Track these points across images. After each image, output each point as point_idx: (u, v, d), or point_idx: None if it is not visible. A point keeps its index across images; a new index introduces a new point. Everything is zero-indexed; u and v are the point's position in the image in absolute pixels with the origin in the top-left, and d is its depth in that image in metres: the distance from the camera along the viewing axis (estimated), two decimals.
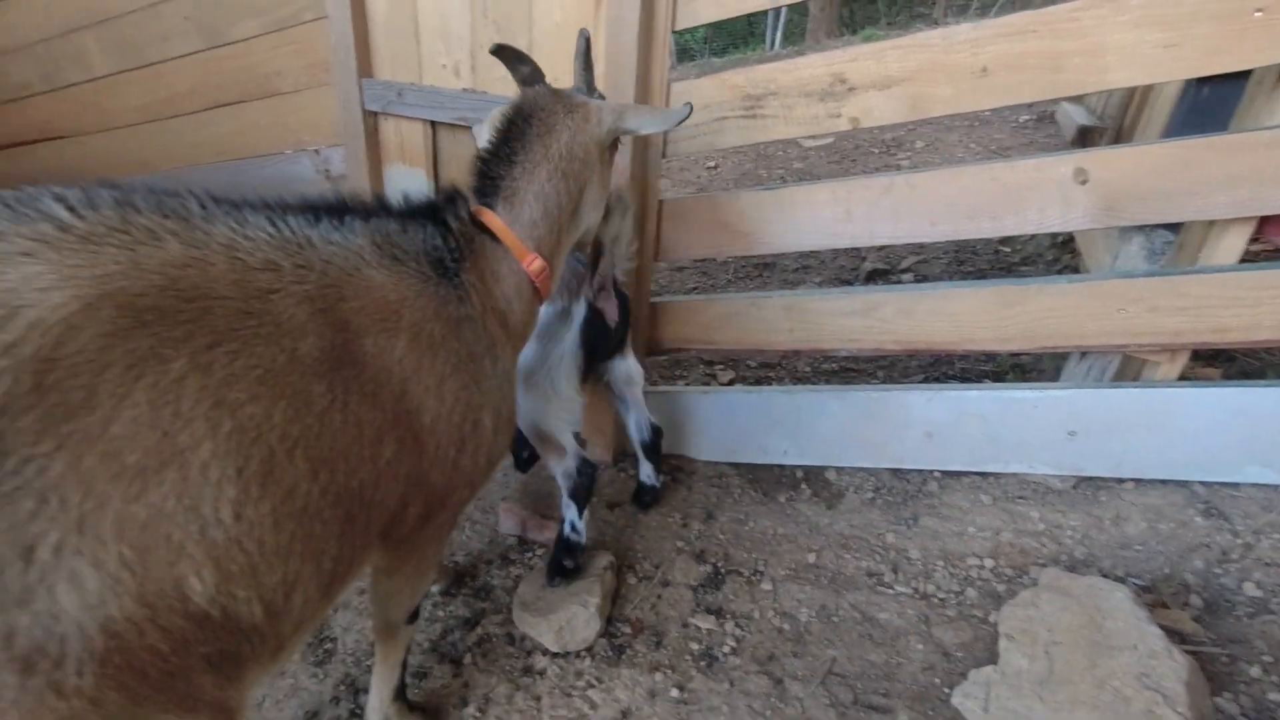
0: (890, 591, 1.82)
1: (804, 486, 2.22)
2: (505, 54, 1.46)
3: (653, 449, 2.04)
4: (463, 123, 2.06)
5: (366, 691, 1.66)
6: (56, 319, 0.67)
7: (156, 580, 0.70)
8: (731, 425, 2.27)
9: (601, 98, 1.44)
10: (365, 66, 2.14)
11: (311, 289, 0.91)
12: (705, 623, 1.76)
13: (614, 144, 1.41)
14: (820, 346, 2.04)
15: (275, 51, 2.30)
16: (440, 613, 1.86)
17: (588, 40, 1.44)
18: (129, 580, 0.68)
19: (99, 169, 2.98)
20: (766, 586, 1.87)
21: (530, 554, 2.03)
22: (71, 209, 0.75)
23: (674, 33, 1.76)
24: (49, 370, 0.66)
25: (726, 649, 1.70)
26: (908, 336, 1.94)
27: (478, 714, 1.58)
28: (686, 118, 1.31)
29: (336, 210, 1.03)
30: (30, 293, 0.67)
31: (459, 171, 2.24)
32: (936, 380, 2.71)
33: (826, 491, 2.20)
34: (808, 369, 2.94)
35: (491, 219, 1.21)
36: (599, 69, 1.81)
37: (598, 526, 2.10)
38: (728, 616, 1.78)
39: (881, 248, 3.71)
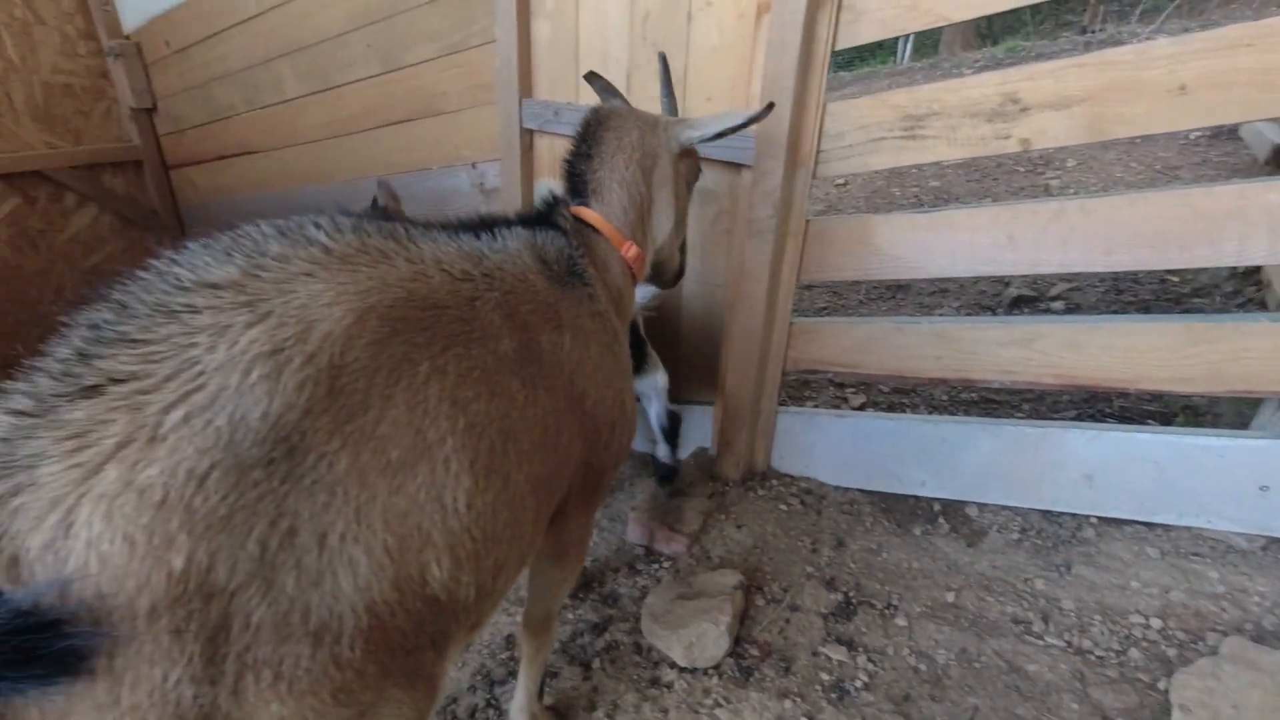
0: (1040, 642, 1.70)
1: (942, 520, 2.12)
2: (597, 83, 1.63)
3: (672, 432, 2.25)
4: None
5: (500, 683, 1.74)
6: (341, 330, 0.77)
7: (408, 566, 0.79)
8: (866, 451, 2.21)
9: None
10: (526, 87, 2.27)
11: (499, 295, 1.01)
12: (836, 653, 1.71)
13: (690, 160, 1.50)
14: (970, 377, 1.95)
15: (443, 74, 2.49)
16: (570, 615, 1.92)
17: (665, 62, 1.57)
18: (389, 566, 0.76)
19: (285, 180, 3.33)
20: (901, 622, 1.79)
21: (657, 565, 2.06)
22: (327, 234, 0.85)
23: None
24: (338, 376, 0.75)
25: (859, 683, 1.65)
26: (1071, 371, 1.81)
27: (605, 719, 1.61)
28: (758, 117, 1.38)
29: (485, 225, 1.14)
30: (319, 308, 0.76)
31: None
32: (1090, 418, 2.51)
33: (967, 528, 2.09)
34: (944, 398, 2.81)
35: (589, 214, 1.33)
36: (755, 88, 1.83)
37: (725, 545, 2.10)
38: (860, 649, 1.73)
39: (1028, 275, 3.49)
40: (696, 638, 1.68)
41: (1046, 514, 2.05)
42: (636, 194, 1.39)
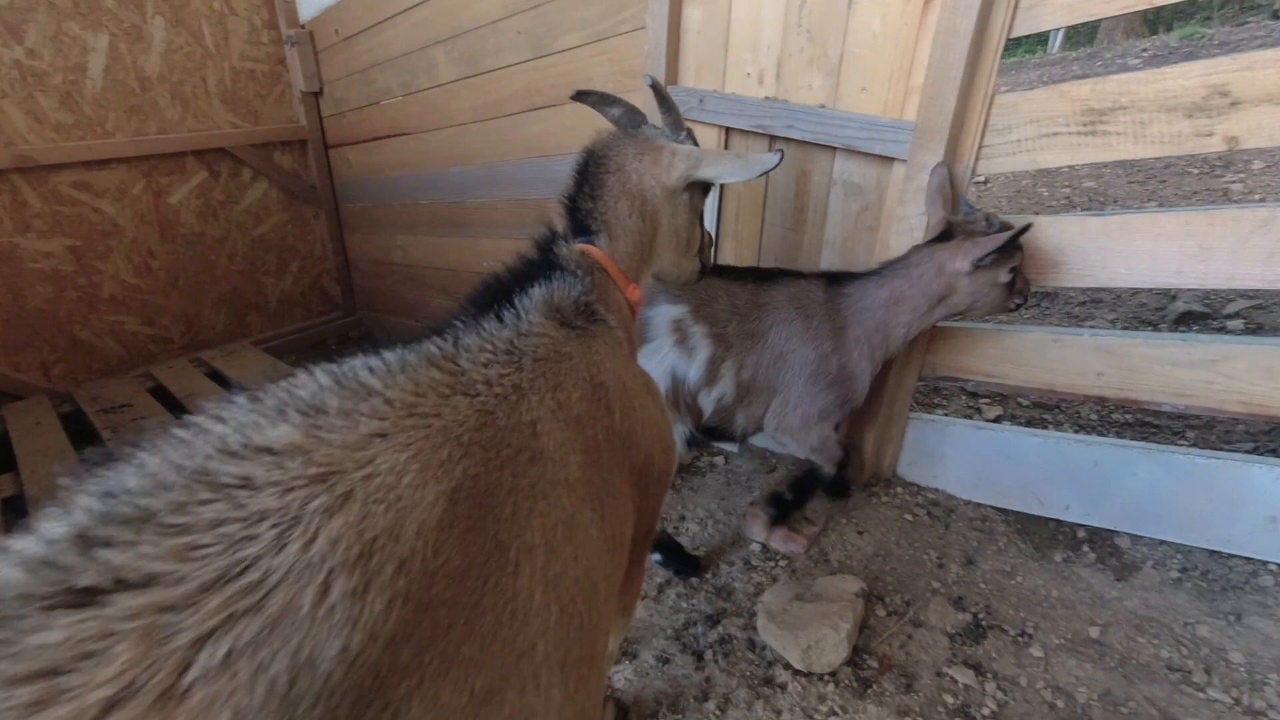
0: (1201, 695, 1.55)
1: (1086, 549, 1.97)
2: (588, 98, 1.49)
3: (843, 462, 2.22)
4: (759, 130, 2.10)
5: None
6: (435, 520, 0.60)
7: None
8: (1004, 467, 2.07)
9: (690, 136, 1.38)
10: (672, 74, 2.27)
11: (551, 401, 0.85)
12: (963, 677, 1.63)
13: (700, 188, 1.36)
14: (1136, 398, 1.78)
15: (591, 60, 2.53)
16: (684, 604, 1.93)
17: (654, 84, 1.42)
18: None
19: (430, 161, 3.52)
20: (1036, 652, 1.68)
21: (773, 563, 2.03)
22: (381, 379, 0.70)
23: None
24: (430, 586, 0.58)
25: (986, 711, 1.56)
26: (1264, 400, 1.61)
27: (717, 712, 1.62)
28: (774, 167, 1.25)
29: (500, 298, 0.97)
30: (406, 489, 0.59)
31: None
32: (1272, 452, 2.23)
33: (1116, 560, 1.92)
34: (1094, 416, 2.59)
35: (597, 254, 1.20)
36: (916, 79, 1.75)
37: (845, 550, 2.04)
38: (989, 676, 1.64)
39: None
40: (815, 641, 1.65)
41: (1215, 555, 1.85)
42: (638, 241, 1.26)
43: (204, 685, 0.43)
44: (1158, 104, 1.52)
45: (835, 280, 1.88)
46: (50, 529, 0.48)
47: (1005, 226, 1.67)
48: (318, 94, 4.14)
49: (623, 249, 1.24)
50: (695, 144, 1.36)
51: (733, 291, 1.83)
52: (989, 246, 1.62)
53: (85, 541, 0.46)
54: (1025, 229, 1.62)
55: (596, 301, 1.10)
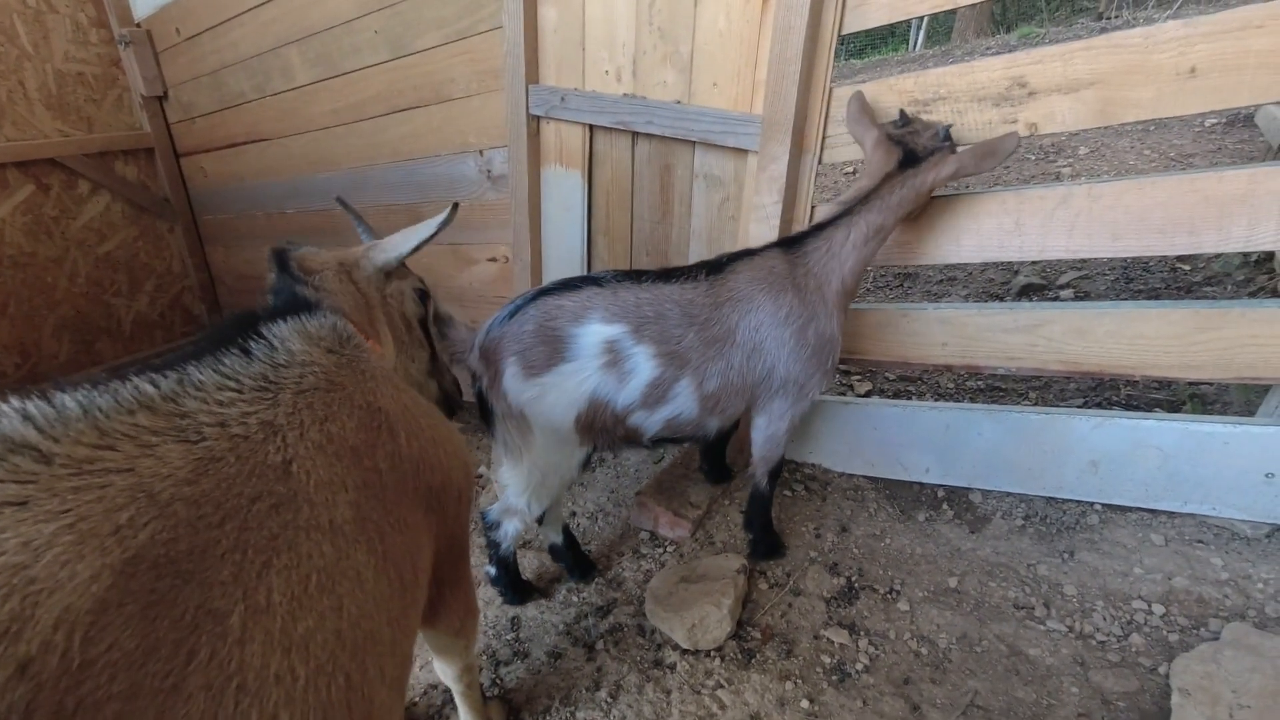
0: (1041, 627, 1.71)
1: (945, 507, 2.13)
2: (348, 209, 1.69)
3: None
4: (620, 126, 2.14)
5: (505, 663, 1.76)
6: (88, 602, 0.50)
7: None
8: (870, 438, 2.21)
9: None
10: (533, 73, 2.27)
11: (315, 433, 0.78)
12: (838, 636, 1.73)
13: (402, 280, 1.46)
14: (975, 364, 1.94)
15: (451, 60, 2.49)
16: (575, 598, 1.94)
17: (345, 203, 1.71)
18: None
19: (294, 167, 3.34)
20: (903, 607, 1.81)
21: (662, 549, 2.08)
22: (39, 428, 0.58)
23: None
24: (78, 684, 0.48)
25: (860, 666, 1.66)
26: (1077, 358, 1.80)
27: (609, 700, 1.64)
28: (440, 228, 1.36)
29: (243, 331, 0.86)
30: (45, 569, 0.49)
31: (611, 171, 2.32)
32: (1097, 405, 2.50)
33: (970, 514, 2.09)
34: (951, 385, 2.81)
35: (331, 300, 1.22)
36: (761, 74, 1.83)
37: (729, 530, 2.11)
38: (861, 633, 1.75)
39: (1035, 261, 3.46)
40: (699, 620, 1.70)
41: (1051, 501, 2.05)
42: (359, 304, 1.27)
43: None
44: (970, 94, 1.66)
45: (793, 244, 1.71)
46: None
47: (948, 133, 1.63)
48: (161, 98, 3.84)
49: (349, 307, 1.24)
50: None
51: (685, 300, 1.63)
52: (990, 150, 1.57)
53: None
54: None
55: (354, 332, 1.02)
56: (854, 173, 5.69)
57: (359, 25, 2.71)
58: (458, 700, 1.50)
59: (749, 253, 1.73)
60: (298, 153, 3.30)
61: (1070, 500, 2.02)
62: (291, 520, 0.69)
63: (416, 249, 1.37)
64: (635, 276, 1.64)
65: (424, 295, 1.50)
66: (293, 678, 0.62)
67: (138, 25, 3.65)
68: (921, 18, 11.93)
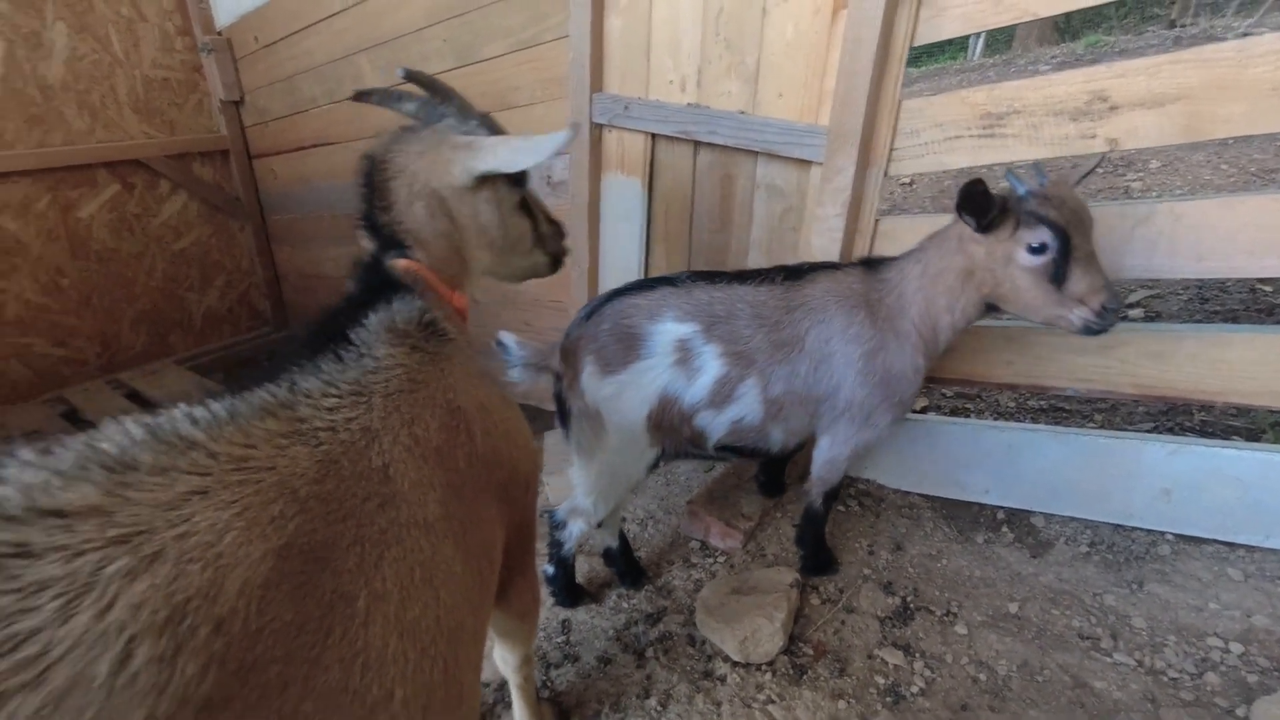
0: (1108, 659, 1.65)
1: (1006, 529, 2.07)
2: (370, 98, 1.37)
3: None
4: (683, 135, 2.15)
5: (556, 666, 1.78)
6: (260, 577, 0.58)
7: None
8: (927, 455, 2.17)
9: (485, 122, 1.28)
10: (597, 82, 2.30)
11: (405, 438, 0.82)
12: (893, 657, 1.70)
13: (507, 179, 1.24)
14: (1042, 383, 1.89)
15: (517, 69, 2.54)
16: (625, 605, 1.95)
17: (409, 74, 1.30)
18: None
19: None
20: (960, 630, 1.76)
21: (712, 559, 2.07)
22: (205, 429, 0.65)
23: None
24: (254, 645, 0.56)
25: (915, 689, 1.63)
26: (1152, 382, 1.74)
27: (658, 708, 1.64)
28: (565, 144, 1.14)
29: (337, 336, 0.90)
30: (228, 546, 0.57)
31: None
32: (1169, 431, 2.40)
33: (1032, 538, 2.03)
34: (1011, 404, 2.73)
35: (415, 267, 1.13)
36: (828, 84, 1.82)
37: (781, 543, 2.09)
38: (917, 655, 1.71)
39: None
40: (751, 633, 1.69)
41: (1119, 528, 1.97)
42: (451, 239, 1.18)
43: None
44: (1047, 108, 1.62)
45: (875, 265, 1.66)
46: None
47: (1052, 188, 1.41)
48: (238, 103, 4.01)
49: (438, 254, 1.16)
50: (494, 131, 1.26)
51: (757, 301, 1.62)
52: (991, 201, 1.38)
53: None
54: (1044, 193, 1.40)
55: (439, 316, 1.04)
56: (910, 183, 5.60)
57: (428, 34, 2.79)
58: (514, 693, 1.52)
59: (831, 265, 1.71)
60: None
61: (1140, 529, 1.95)
62: (395, 518, 0.74)
63: (517, 166, 1.17)
64: (710, 277, 1.66)
65: (519, 177, 1.30)
66: (405, 659, 0.68)
67: (219, 33, 3.83)
68: None
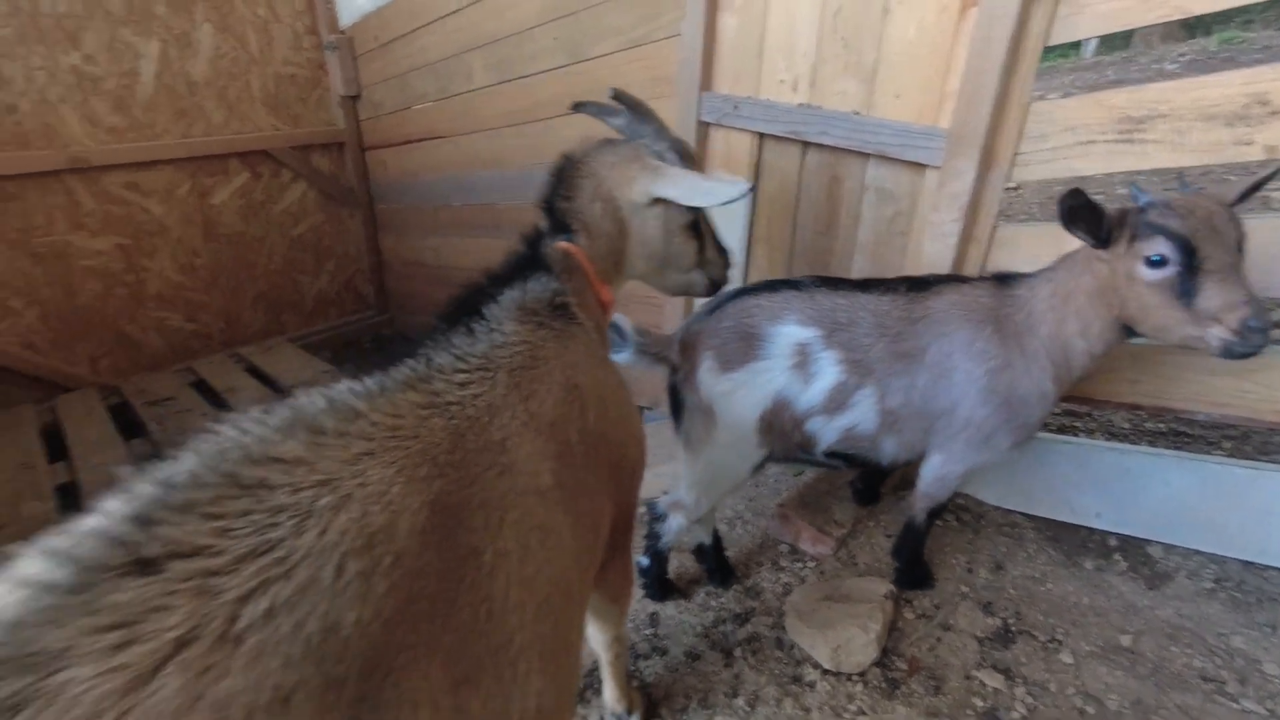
0: (1234, 705, 1.54)
1: (1118, 558, 1.96)
2: (587, 108, 1.54)
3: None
4: (792, 136, 2.13)
5: (644, 657, 1.81)
6: (419, 525, 0.68)
7: None
8: (1034, 474, 2.07)
9: (677, 148, 1.38)
10: (707, 81, 2.31)
11: (524, 413, 0.90)
12: (992, 680, 1.64)
13: (679, 205, 1.33)
14: (1170, 405, 1.77)
15: (625, 67, 2.58)
16: (713, 603, 1.96)
17: (617, 95, 1.41)
18: None
19: (464, 164, 3.60)
20: (1066, 659, 1.68)
21: (802, 564, 2.06)
22: (367, 402, 0.75)
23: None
24: (415, 580, 0.66)
25: (1016, 715, 1.57)
26: None
27: (746, 708, 1.64)
28: (738, 198, 1.24)
29: (471, 311, 1.00)
30: (396, 496, 0.67)
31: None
32: None
33: (1148, 569, 1.91)
34: (1125, 424, 2.57)
35: (575, 251, 1.22)
36: (951, 85, 1.77)
37: (873, 552, 2.05)
38: (1018, 680, 1.64)
39: None
40: (844, 641, 1.67)
41: (1249, 566, 1.83)
42: (614, 241, 1.31)
43: (255, 633, 0.52)
44: (1196, 113, 1.52)
45: (1007, 281, 1.60)
46: (115, 511, 0.56)
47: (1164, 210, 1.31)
48: (355, 98, 4.25)
49: (599, 249, 1.28)
50: (684, 157, 1.37)
51: (880, 310, 1.59)
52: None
53: (144, 521, 0.55)
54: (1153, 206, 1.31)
55: (572, 300, 1.13)
56: (1017, 189, 5.33)
57: (539, 33, 2.88)
58: (604, 671, 1.56)
59: (959, 278, 1.66)
60: (468, 151, 3.54)
61: (1275, 569, 1.80)
62: (513, 486, 0.82)
63: (693, 204, 1.32)
64: (833, 283, 1.65)
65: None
66: (523, 609, 0.77)
67: (342, 32, 4.06)
68: None
